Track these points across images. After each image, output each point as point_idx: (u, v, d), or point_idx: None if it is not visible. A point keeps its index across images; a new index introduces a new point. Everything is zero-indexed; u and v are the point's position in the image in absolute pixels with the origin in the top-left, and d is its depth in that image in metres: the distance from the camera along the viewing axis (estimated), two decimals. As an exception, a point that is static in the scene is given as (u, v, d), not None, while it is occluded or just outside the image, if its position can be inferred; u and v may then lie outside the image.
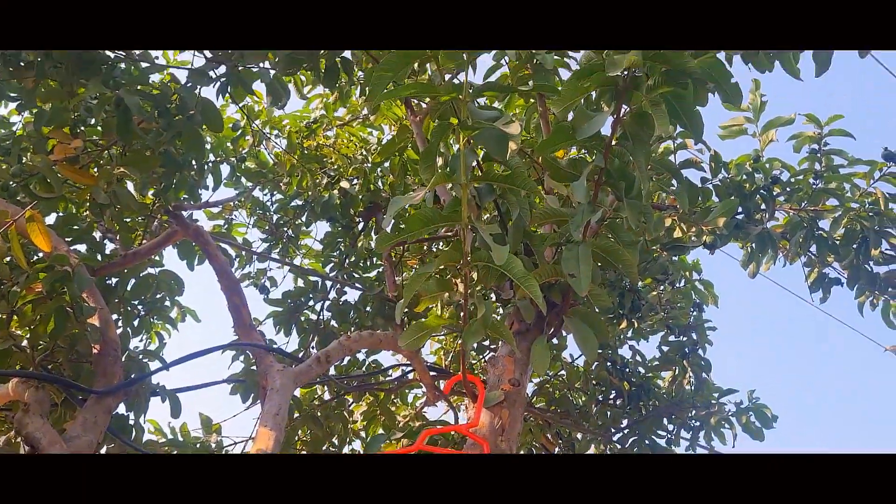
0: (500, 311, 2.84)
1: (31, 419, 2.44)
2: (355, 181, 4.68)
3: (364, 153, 4.86)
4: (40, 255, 3.17)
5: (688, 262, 4.51)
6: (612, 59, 1.72)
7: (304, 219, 4.87)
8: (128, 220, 3.88)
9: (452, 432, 2.97)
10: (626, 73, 1.77)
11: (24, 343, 2.91)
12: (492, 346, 4.60)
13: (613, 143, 1.91)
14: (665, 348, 4.57)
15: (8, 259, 2.71)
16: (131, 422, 3.12)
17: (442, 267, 1.78)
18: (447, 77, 1.78)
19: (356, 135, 5.00)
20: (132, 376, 2.98)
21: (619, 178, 1.97)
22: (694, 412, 4.45)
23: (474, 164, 1.87)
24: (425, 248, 5.20)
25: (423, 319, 1.75)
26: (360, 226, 4.94)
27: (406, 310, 4.52)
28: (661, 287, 4.41)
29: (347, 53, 3.31)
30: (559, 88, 1.83)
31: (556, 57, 2.61)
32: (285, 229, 4.96)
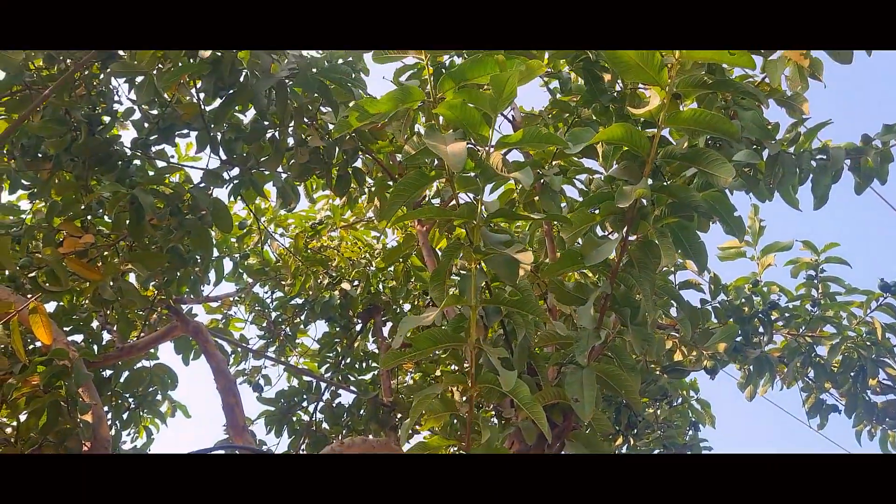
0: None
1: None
2: (356, 283, 4.71)
3: (368, 257, 4.91)
4: (37, 344, 3.17)
5: (685, 381, 4.50)
6: (622, 191, 1.77)
7: (302, 317, 4.87)
8: (127, 312, 3.89)
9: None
10: (634, 203, 1.83)
11: (9, 432, 2.87)
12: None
13: (619, 269, 1.96)
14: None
15: (1, 347, 2.70)
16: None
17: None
18: (461, 198, 1.83)
19: (360, 238, 5.07)
20: (120, 476, 2.90)
21: (624, 304, 1.99)
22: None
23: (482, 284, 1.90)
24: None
25: (426, 440, 1.74)
26: (359, 327, 4.94)
27: (399, 415, 4.50)
28: (658, 405, 4.38)
29: (359, 163, 3.40)
30: (569, 217, 1.88)
31: (562, 178, 2.68)
32: (283, 327, 4.96)
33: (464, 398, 1.78)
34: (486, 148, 1.76)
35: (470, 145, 1.74)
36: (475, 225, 1.70)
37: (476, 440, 1.71)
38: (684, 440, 4.33)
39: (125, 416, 3.96)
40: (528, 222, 3.57)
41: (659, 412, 4.35)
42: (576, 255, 1.87)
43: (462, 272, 2.13)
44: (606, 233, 2.06)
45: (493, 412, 2.48)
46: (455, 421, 2.15)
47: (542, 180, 2.56)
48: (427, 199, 3.27)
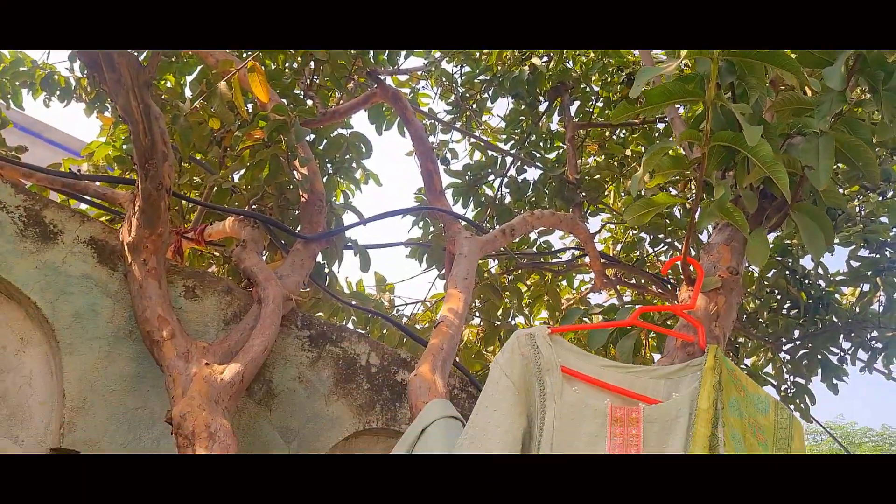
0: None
1: (248, 255, 2.65)
2: (545, 59, 4.58)
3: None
4: (248, 106, 3.35)
5: (898, 173, 4.16)
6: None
7: (489, 93, 4.85)
8: (327, 79, 4.01)
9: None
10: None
11: (237, 180, 3.14)
12: (667, 240, 4.51)
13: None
14: (855, 263, 4.31)
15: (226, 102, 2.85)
16: (326, 270, 3.34)
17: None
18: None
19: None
20: (332, 227, 3.14)
21: (876, 66, 1.81)
22: (878, 333, 4.22)
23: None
24: (607, 133, 5.09)
25: (653, 197, 1.72)
26: (545, 105, 4.87)
27: (583, 195, 4.52)
28: (862, 198, 4.11)
29: None
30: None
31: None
32: (470, 103, 4.97)
33: (695, 156, 1.73)
34: None
35: None
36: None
37: (705, 203, 1.68)
38: (888, 236, 4.09)
39: (325, 179, 4.22)
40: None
41: (863, 206, 4.10)
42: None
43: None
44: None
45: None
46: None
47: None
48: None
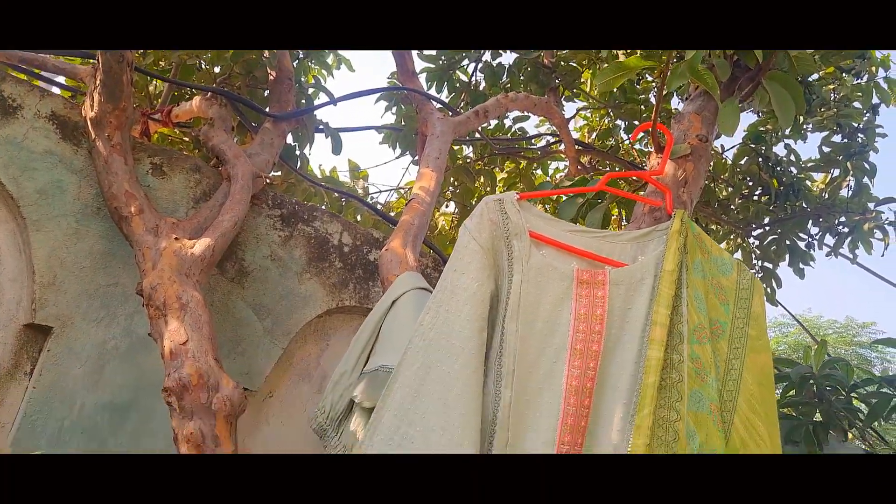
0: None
1: (216, 133, 2.60)
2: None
3: None
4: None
5: (876, 56, 4.12)
6: None
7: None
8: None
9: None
10: None
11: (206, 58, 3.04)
12: (636, 123, 4.48)
13: None
14: (827, 149, 4.33)
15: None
16: (297, 153, 3.29)
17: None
18: None
19: None
20: (303, 108, 3.08)
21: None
22: (845, 218, 4.29)
23: None
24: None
25: (624, 60, 1.69)
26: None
27: (558, 80, 4.44)
28: (837, 82, 4.09)
29: None
30: None
31: None
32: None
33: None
34: None
35: None
36: None
37: (676, 65, 1.65)
38: (860, 121, 4.09)
39: (295, 63, 4.11)
40: None
41: (838, 90, 4.08)
42: None
43: None
44: None
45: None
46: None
47: None
48: None
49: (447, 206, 4.78)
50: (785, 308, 5.89)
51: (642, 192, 1.92)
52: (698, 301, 1.54)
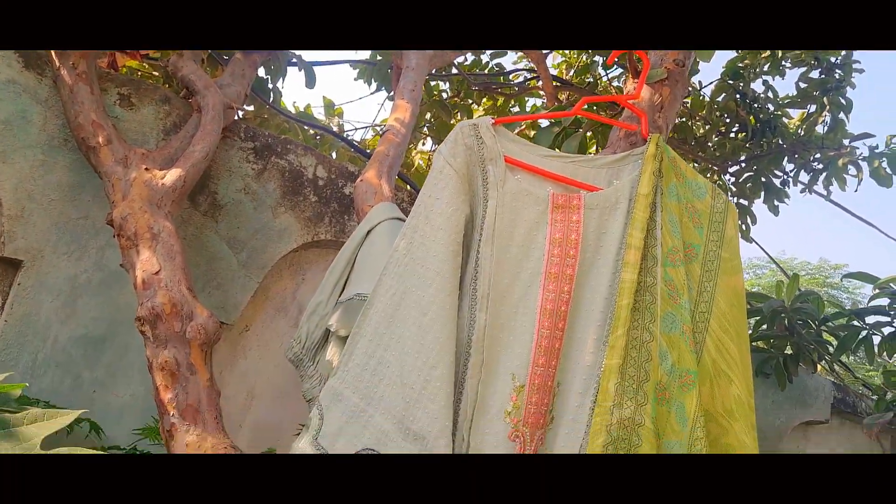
0: None
1: (185, 63, 2.54)
2: None
3: None
4: None
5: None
6: None
7: None
8: None
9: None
10: None
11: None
12: (621, 65, 4.44)
13: None
14: (804, 85, 4.33)
15: None
16: (270, 86, 3.23)
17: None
18: None
19: None
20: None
21: None
22: (820, 154, 4.31)
23: None
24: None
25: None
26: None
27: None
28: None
29: None
30: None
31: None
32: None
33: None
34: None
35: None
36: None
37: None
38: (838, 55, 4.09)
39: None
40: None
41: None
42: None
43: None
44: None
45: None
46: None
47: None
48: None
49: (424, 144, 4.74)
50: (759, 245, 5.96)
51: (619, 119, 1.91)
52: (673, 224, 1.55)
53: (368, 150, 4.69)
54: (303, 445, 1.55)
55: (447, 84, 4.47)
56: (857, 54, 4.48)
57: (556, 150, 2.06)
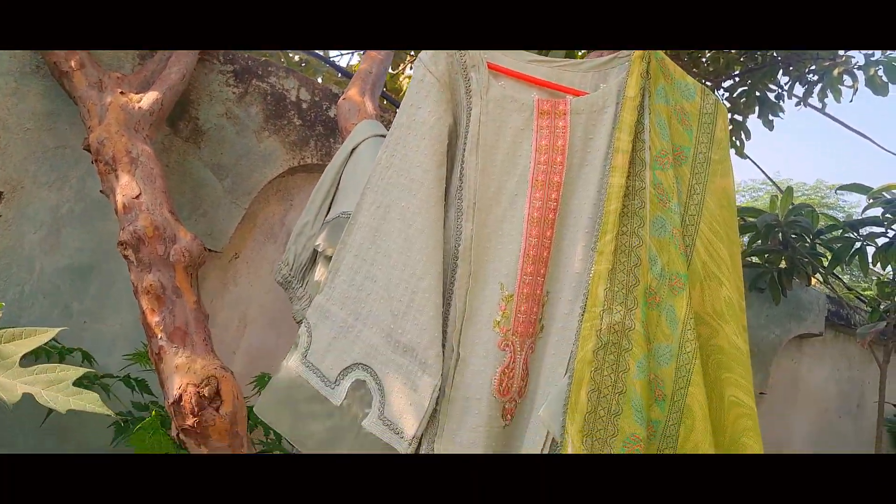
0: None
1: (158, -15, 2.44)
2: None
3: None
4: None
5: None
6: None
7: None
8: None
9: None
10: None
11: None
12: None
13: None
14: (799, -7, 4.21)
15: None
16: (249, 9, 3.12)
17: None
18: None
19: None
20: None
21: None
22: (815, 65, 4.23)
23: None
24: None
25: None
26: None
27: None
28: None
29: None
30: None
31: None
32: None
33: None
34: None
35: None
36: None
37: None
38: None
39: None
40: None
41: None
42: None
43: None
44: None
45: None
46: None
47: None
48: None
49: (411, 69, 4.63)
50: (754, 162, 5.92)
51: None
52: (661, 127, 1.51)
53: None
54: (292, 364, 1.55)
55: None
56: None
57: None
